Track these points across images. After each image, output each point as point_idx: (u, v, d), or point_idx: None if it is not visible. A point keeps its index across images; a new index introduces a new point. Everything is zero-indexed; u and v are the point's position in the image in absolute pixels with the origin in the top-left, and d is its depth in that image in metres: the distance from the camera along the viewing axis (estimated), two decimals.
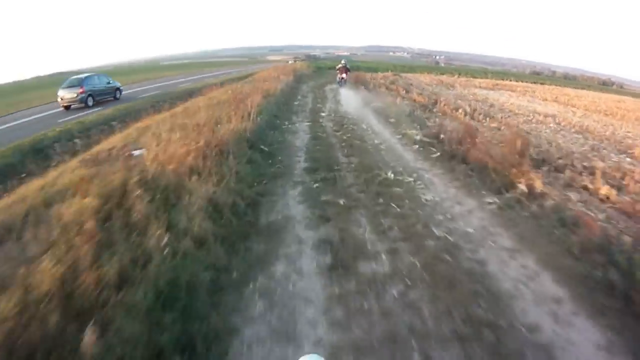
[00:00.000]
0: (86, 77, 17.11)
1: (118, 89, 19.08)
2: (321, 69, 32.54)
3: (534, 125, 12.97)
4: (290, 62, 47.26)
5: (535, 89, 31.53)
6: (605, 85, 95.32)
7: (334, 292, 2.95)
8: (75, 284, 2.25)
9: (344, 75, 18.44)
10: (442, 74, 39.39)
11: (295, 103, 14.38)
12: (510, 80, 38.04)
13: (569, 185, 5.63)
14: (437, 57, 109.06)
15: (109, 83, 18.44)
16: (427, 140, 7.85)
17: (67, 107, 16.25)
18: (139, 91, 21.48)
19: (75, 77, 17.32)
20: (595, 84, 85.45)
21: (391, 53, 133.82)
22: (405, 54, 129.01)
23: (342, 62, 19.04)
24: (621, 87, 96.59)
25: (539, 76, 67.99)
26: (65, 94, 16.17)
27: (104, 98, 17.76)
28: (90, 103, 16.49)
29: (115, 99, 18.42)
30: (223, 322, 2.54)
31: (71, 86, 16.41)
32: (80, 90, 16.15)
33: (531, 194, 4.74)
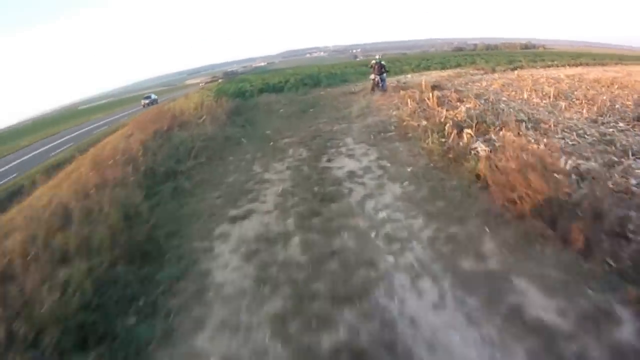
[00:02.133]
0: None
1: None
2: (248, 97, 16.52)
3: None
4: (201, 84, 44.20)
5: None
6: (527, 48, 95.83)
7: None
8: None
9: (378, 76, 12.27)
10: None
11: None
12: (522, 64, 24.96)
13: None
14: (354, 51, 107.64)
15: None
16: None
17: None
18: None
19: None
20: (518, 49, 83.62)
21: (308, 55, 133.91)
22: (322, 53, 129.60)
23: (377, 57, 12.75)
24: (543, 47, 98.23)
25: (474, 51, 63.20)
26: None
27: None
28: None
29: None
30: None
31: None
32: None
33: None
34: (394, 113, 8.55)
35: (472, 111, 6.91)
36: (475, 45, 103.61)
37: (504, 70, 20.43)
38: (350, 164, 5.84)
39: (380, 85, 12.25)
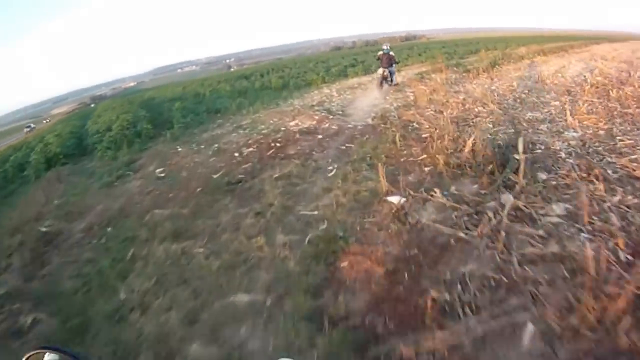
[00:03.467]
0: None
1: None
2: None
3: None
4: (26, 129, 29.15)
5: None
6: (407, 40, 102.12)
7: None
8: None
9: (387, 69, 11.08)
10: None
11: None
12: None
13: None
14: (228, 61, 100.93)
15: None
16: None
17: None
18: None
19: None
20: (399, 42, 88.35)
21: (179, 70, 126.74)
22: (195, 66, 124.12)
23: (384, 47, 11.26)
24: (426, 38, 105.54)
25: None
26: None
27: None
28: None
29: None
30: None
31: None
32: None
33: None
34: None
35: None
36: (354, 42, 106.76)
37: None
38: None
39: (390, 79, 11.40)
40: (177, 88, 25.23)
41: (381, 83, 11.37)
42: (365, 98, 10.85)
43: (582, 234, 2.83)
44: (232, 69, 57.79)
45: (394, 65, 11.39)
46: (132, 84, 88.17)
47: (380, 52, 11.25)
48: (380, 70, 11.30)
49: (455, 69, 15.44)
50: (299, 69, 25.71)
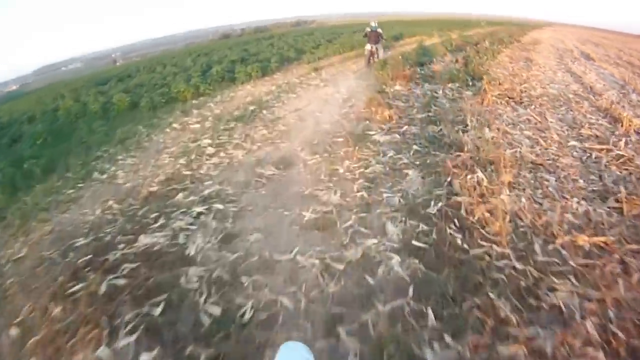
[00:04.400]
0: None
1: None
2: None
3: None
4: None
5: None
6: (298, 25, 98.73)
7: None
8: None
9: (374, 45, 11.35)
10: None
11: None
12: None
13: None
14: (114, 56, 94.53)
15: None
16: None
17: None
18: None
19: None
20: (290, 27, 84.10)
21: (64, 68, 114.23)
22: (79, 63, 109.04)
23: (372, 23, 11.30)
24: (314, 22, 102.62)
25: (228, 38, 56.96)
26: None
27: None
28: None
29: None
30: None
31: None
32: None
33: None
34: None
35: None
36: (243, 30, 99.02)
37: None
38: None
39: (377, 56, 11.55)
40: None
41: (369, 60, 11.54)
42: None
43: None
44: (118, 64, 53.64)
45: (380, 41, 11.49)
46: (14, 87, 69.04)
47: (368, 29, 11.32)
48: (369, 47, 11.42)
49: None
50: (173, 68, 18.14)
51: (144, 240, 3.42)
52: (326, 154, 4.91)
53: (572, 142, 4.89)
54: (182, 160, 5.42)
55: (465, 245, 2.87)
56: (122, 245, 3.40)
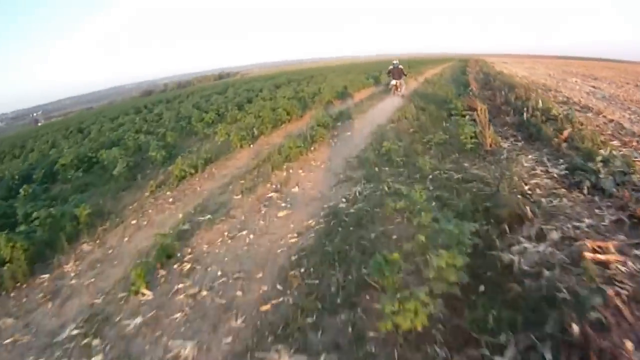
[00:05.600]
0: None
1: None
2: None
3: None
4: None
5: None
6: (221, 78, 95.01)
7: None
8: None
9: (398, 80, 13.08)
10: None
11: None
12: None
13: None
14: (36, 115, 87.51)
15: None
16: None
17: None
18: None
19: None
20: (212, 81, 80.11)
21: None
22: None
23: (395, 62, 13.22)
24: (240, 75, 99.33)
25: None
26: None
27: None
28: None
29: None
30: None
31: None
32: None
33: None
34: None
35: None
36: (166, 85, 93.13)
37: None
38: None
39: (401, 89, 12.99)
40: None
41: (393, 92, 13.03)
42: None
43: None
44: (40, 124, 50.57)
45: (402, 77, 13.00)
46: None
47: (391, 67, 13.01)
48: (393, 82, 13.01)
49: None
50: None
51: None
52: None
53: None
54: None
55: None
56: None
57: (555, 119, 6.91)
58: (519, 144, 5.88)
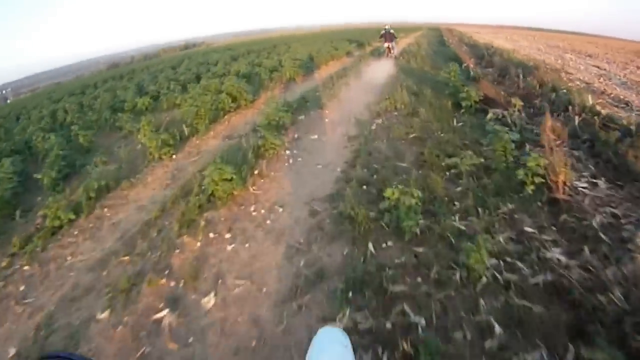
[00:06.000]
0: None
1: None
2: None
3: None
4: None
5: None
6: (187, 48, 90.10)
7: None
8: None
9: (390, 43, 14.09)
10: None
11: None
12: None
13: None
14: (4, 92, 76.85)
15: None
16: None
17: None
18: None
19: None
20: (178, 51, 75.45)
21: None
22: None
23: (387, 26, 14.12)
24: (204, 44, 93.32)
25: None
26: None
27: None
28: None
29: None
30: None
31: None
32: None
33: None
34: None
35: None
36: (133, 57, 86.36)
37: None
38: None
39: (393, 51, 13.92)
40: None
41: (387, 54, 13.95)
42: None
43: None
44: (9, 101, 45.22)
45: (394, 40, 13.96)
46: None
47: (383, 32, 13.90)
48: (386, 44, 13.90)
49: None
50: None
51: None
52: None
53: None
54: None
55: None
56: None
57: (616, 126, 4.56)
58: (600, 184, 3.38)
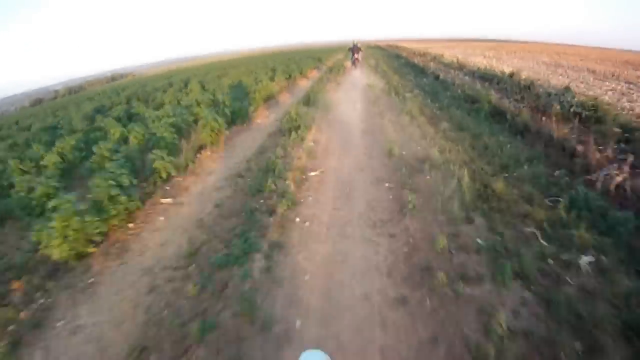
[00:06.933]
0: None
1: None
2: None
3: None
4: None
5: None
6: (114, 80, 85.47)
7: None
8: None
9: (356, 55, 18.21)
10: None
11: None
12: None
13: None
14: None
15: None
16: None
17: None
18: None
19: None
20: (105, 83, 69.11)
21: None
22: None
23: (354, 41, 18.58)
24: (130, 75, 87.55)
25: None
26: None
27: None
28: None
29: None
30: None
31: None
32: None
33: None
34: None
35: None
36: (57, 91, 76.65)
37: None
38: None
39: (358, 59, 18.27)
40: None
41: (353, 63, 18.24)
42: None
43: None
44: None
45: (359, 52, 18.12)
46: None
47: (352, 45, 18.02)
48: (355, 56, 17.92)
49: None
50: None
51: None
52: None
53: None
54: None
55: None
56: None
57: None
58: None
